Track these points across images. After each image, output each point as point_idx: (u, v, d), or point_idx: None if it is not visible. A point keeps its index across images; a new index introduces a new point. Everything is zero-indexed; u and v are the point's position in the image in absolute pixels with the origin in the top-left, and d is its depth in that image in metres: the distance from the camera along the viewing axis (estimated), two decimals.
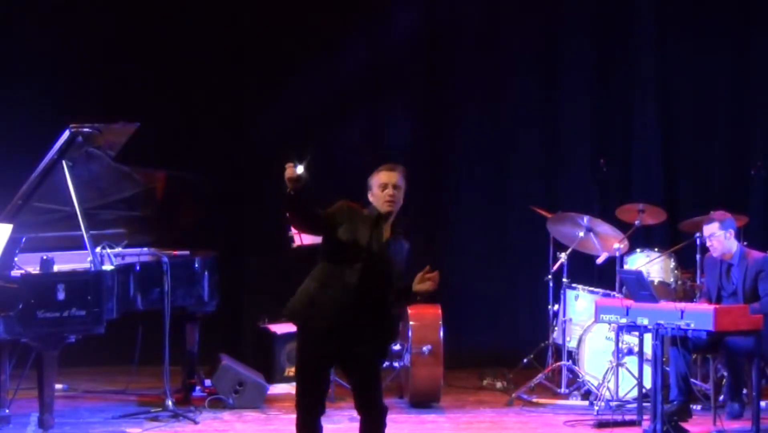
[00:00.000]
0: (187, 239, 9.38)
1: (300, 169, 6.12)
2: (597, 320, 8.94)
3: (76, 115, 8.52)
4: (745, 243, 9.01)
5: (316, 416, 6.43)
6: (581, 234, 9.87)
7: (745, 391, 9.21)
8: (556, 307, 10.08)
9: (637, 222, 9.97)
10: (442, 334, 9.36)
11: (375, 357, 6.47)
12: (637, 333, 8.75)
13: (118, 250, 8.77)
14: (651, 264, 9.89)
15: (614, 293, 9.68)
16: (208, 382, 9.55)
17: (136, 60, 11.00)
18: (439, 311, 9.44)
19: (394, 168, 6.46)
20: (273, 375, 10.15)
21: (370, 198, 6.45)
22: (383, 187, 6.39)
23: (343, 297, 6.31)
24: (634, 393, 9.07)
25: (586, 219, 9.85)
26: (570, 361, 9.81)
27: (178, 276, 8.96)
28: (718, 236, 8.58)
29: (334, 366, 6.61)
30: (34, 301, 7.81)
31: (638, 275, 8.65)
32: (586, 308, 9.79)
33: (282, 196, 6.17)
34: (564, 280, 9.96)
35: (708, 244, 8.69)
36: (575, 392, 9.71)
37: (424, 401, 9.42)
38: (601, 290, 9.84)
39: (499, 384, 10.25)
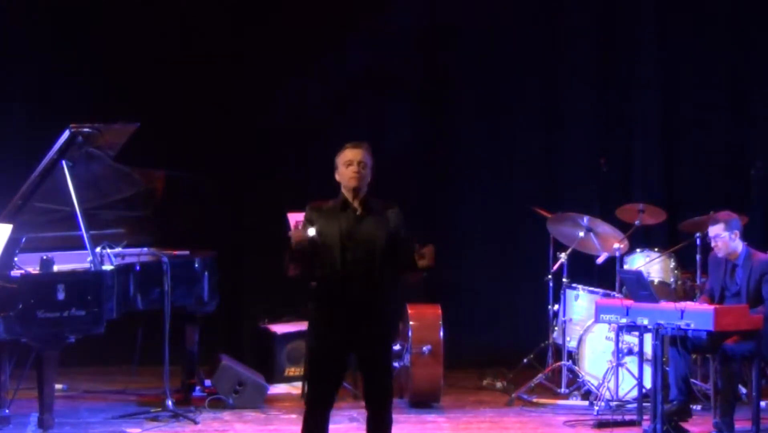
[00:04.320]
0: (187, 239, 9.38)
1: (311, 232, 6.33)
2: (597, 320, 8.94)
3: (76, 115, 8.53)
4: (745, 243, 9.00)
5: (321, 409, 6.48)
6: (581, 234, 9.87)
7: (745, 391, 9.21)
8: (556, 307, 10.08)
9: (637, 222, 9.97)
10: (442, 334, 9.36)
11: (382, 340, 6.51)
12: (637, 333, 8.75)
13: (118, 250, 8.77)
14: (651, 264, 9.89)
15: (614, 293, 9.67)
16: (208, 382, 9.55)
17: (136, 60, 11.00)
18: (439, 311, 9.44)
19: (358, 145, 6.58)
20: (273, 375, 10.15)
21: (337, 177, 6.57)
22: (348, 164, 6.51)
23: (336, 287, 6.41)
24: (634, 393, 9.07)
25: (586, 219, 9.85)
26: (570, 361, 9.80)
27: (178, 276, 8.95)
28: (723, 237, 8.56)
29: (345, 358, 6.63)
30: (34, 301, 7.82)
31: (638, 275, 8.64)
32: (586, 308, 9.79)
33: (287, 251, 6.37)
34: (564, 280, 9.96)
35: (713, 244, 8.65)
36: (575, 392, 9.71)
37: (424, 401, 9.42)
38: (601, 290, 9.83)
39: (499, 384, 10.24)
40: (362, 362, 6.57)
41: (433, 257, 6.40)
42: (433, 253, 6.40)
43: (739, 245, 8.63)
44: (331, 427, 6.57)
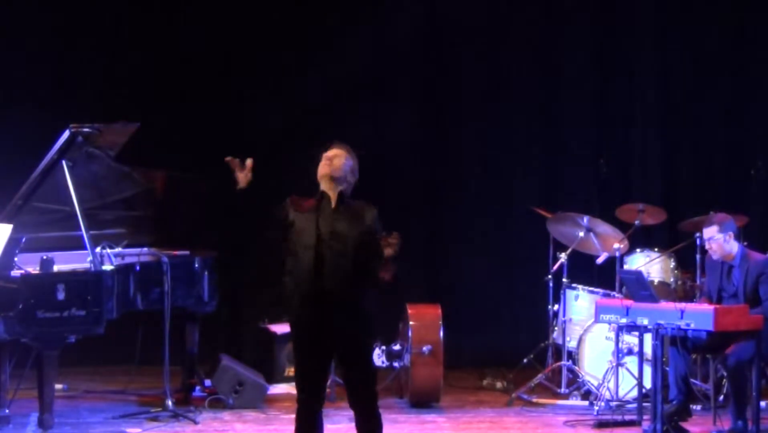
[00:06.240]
0: (187, 239, 9.38)
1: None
2: (597, 320, 8.93)
3: (75, 115, 8.52)
4: (745, 243, 9.01)
5: (311, 408, 6.48)
6: (581, 234, 9.87)
7: None
8: (556, 307, 10.08)
9: (637, 222, 9.97)
10: (442, 334, 9.36)
11: (358, 338, 6.49)
12: (637, 333, 8.75)
13: (118, 250, 8.77)
14: (651, 264, 9.89)
15: (614, 293, 9.68)
16: (208, 382, 9.55)
17: (135, 59, 11.00)
18: (439, 311, 9.45)
19: (335, 145, 6.67)
20: (273, 375, 10.15)
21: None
22: (323, 159, 6.62)
23: (309, 280, 6.44)
24: (634, 393, 9.07)
25: (586, 219, 9.85)
26: (570, 361, 9.81)
27: (178, 276, 8.96)
28: (717, 239, 8.56)
29: (328, 356, 6.64)
30: (34, 301, 7.82)
31: (638, 275, 8.64)
32: (586, 308, 9.79)
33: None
34: (564, 280, 9.96)
35: (707, 246, 8.66)
36: (575, 392, 9.71)
37: (424, 401, 9.42)
38: (601, 290, 9.84)
39: (499, 384, 10.24)
40: (341, 361, 6.59)
41: (397, 244, 6.37)
42: (397, 240, 6.38)
43: (734, 247, 8.62)
44: (331, 427, 6.59)
